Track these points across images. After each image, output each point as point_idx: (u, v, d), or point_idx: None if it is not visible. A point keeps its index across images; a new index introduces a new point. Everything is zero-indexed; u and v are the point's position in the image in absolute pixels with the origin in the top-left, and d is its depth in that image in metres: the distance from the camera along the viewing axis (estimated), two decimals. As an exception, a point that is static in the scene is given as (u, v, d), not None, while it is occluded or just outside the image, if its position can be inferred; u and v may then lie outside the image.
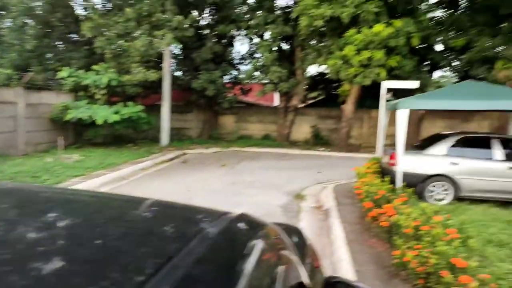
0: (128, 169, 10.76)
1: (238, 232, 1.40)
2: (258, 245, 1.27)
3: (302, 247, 2.55)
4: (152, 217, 1.45)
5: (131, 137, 16.74)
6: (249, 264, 1.10)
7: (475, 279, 3.15)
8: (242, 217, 1.54)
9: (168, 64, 16.30)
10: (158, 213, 1.49)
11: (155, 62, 16.05)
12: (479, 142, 7.57)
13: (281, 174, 10.96)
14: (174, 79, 17.46)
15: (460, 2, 15.73)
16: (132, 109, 14.08)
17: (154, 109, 19.56)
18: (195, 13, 16.21)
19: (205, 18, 19.06)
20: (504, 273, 3.50)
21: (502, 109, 10.04)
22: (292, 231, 2.85)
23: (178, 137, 18.54)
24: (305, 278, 1.61)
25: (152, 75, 14.04)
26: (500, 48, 13.54)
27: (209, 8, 18.09)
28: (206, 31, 18.20)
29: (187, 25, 15.13)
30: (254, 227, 1.51)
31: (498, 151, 7.18)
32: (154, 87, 17.25)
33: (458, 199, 7.21)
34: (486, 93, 7.27)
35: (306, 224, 6.43)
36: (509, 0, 12.43)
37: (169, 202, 1.60)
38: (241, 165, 12.37)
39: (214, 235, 1.21)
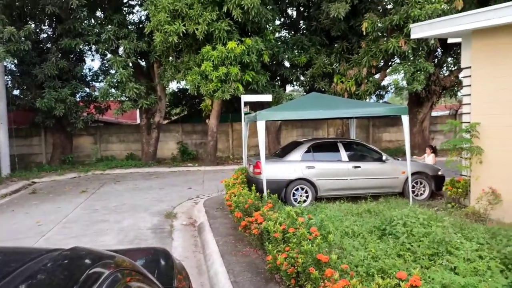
0: (-46, 209, 8.79)
1: (64, 269, 1.28)
2: (91, 277, 1.19)
3: (170, 269, 2.45)
4: None
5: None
6: None
7: (337, 270, 3.49)
8: (74, 252, 1.39)
9: (2, 82, 14.04)
10: None
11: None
12: (328, 147, 8.60)
13: (150, 194, 10.47)
14: (13, 98, 15.11)
15: (300, 25, 17.82)
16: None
17: (-13, 134, 16.58)
18: (31, 24, 14.34)
19: (46, 31, 17.13)
20: (360, 260, 3.99)
21: (343, 117, 11.69)
22: (159, 254, 2.72)
23: (24, 165, 16.03)
24: None
25: (-20, 94, 11.82)
26: (335, 65, 15.77)
27: (48, 20, 16.29)
28: (49, 45, 16.35)
29: (22, 38, 13.28)
30: (89, 260, 1.39)
31: (343, 153, 8.26)
32: (-14, 108, 14.59)
33: (317, 199, 8.01)
34: (328, 103, 8.31)
35: (179, 243, 6.25)
36: (338, 25, 14.62)
37: None
38: (104, 189, 11.37)
39: (32, 273, 1.14)
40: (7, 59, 12.41)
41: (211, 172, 14.56)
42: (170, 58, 15.36)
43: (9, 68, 15.73)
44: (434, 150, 9.84)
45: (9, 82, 15.54)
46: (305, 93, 17.67)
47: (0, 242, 6.39)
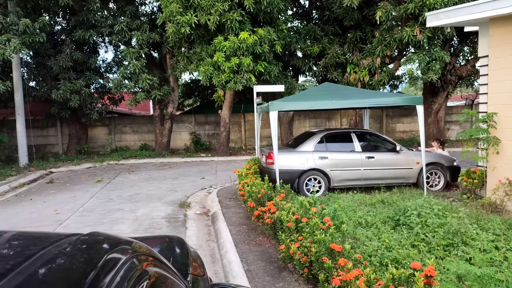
0: (-25, 198, 9.04)
1: (82, 253, 1.30)
2: (109, 262, 1.20)
3: (185, 257, 2.48)
4: None
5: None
6: (96, 282, 1.05)
7: (350, 260, 3.49)
8: (92, 237, 1.41)
9: (18, 73, 14.25)
10: None
11: (0, 71, 13.86)
12: (342, 137, 8.54)
13: (163, 184, 10.59)
14: (29, 90, 15.37)
15: (312, 15, 17.60)
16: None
17: (6, 125, 16.97)
18: (46, 16, 14.48)
19: (60, 23, 17.30)
20: (373, 250, 3.99)
21: (356, 107, 11.59)
22: (174, 242, 2.75)
23: (41, 155, 16.39)
24: None
25: (-3, 86, 12.03)
26: (348, 55, 15.58)
27: (62, 12, 16.42)
28: (63, 37, 16.53)
29: (37, 30, 13.45)
30: (107, 245, 1.41)
31: (357, 144, 8.20)
32: (4, 100, 14.91)
33: (330, 189, 7.99)
34: (341, 93, 8.23)
35: (193, 232, 6.33)
36: (351, 14, 14.40)
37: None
38: (119, 179, 11.54)
39: (52, 256, 1.16)
40: (22, 51, 12.58)
41: (224, 163, 14.64)
42: (183, 49, 15.38)
43: (25, 60, 15.97)
44: (442, 144, 9.73)
45: (25, 73, 15.79)
46: (317, 84, 17.53)
47: (19, 229, 6.56)
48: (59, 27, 17.26)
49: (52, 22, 16.42)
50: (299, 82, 18.25)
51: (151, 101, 18.40)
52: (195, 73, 16.21)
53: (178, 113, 20.02)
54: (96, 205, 8.26)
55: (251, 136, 18.90)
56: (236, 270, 4.44)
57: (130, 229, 6.48)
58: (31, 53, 15.08)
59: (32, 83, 16.35)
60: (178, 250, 2.61)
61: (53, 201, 8.78)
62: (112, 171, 13.37)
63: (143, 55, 15.46)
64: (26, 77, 15.81)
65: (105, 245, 1.38)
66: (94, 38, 15.70)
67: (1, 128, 16.72)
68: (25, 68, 15.91)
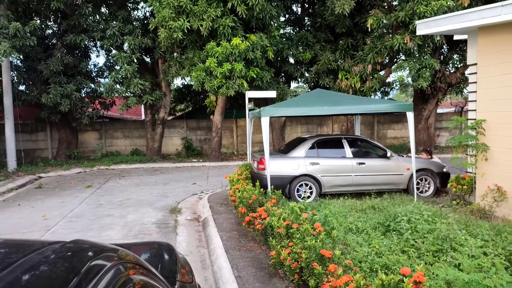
0: (-38, 203, 8.87)
1: (65, 260, 1.28)
2: (93, 269, 1.18)
3: (173, 264, 2.46)
4: None
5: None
6: None
7: (340, 266, 3.49)
8: (76, 244, 1.39)
9: (8, 77, 14.11)
10: None
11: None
12: (333, 143, 8.58)
13: (154, 189, 10.52)
14: (19, 94, 15.20)
15: (305, 21, 17.74)
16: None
17: (-6, 129, 16.74)
18: (37, 20, 14.37)
19: (51, 27, 17.19)
20: (363, 256, 3.99)
21: (347, 113, 11.66)
22: (163, 248, 2.73)
23: (30, 160, 16.17)
24: None
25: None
26: (340, 61, 15.71)
27: (53, 16, 16.33)
28: (54, 41, 16.41)
29: (28, 33, 13.34)
30: (91, 252, 1.39)
31: (348, 150, 8.24)
32: (-8, 104, 14.70)
33: (321, 195, 8.01)
34: (333, 100, 8.28)
35: (184, 238, 6.28)
36: (343, 21, 14.55)
37: None
38: (109, 184, 11.43)
39: (34, 264, 1.14)
40: (12, 55, 12.46)
41: (216, 168, 14.59)
42: (175, 54, 15.37)
43: (15, 63, 15.80)
44: (430, 154, 9.83)
45: (15, 77, 15.61)
46: (309, 90, 17.61)
47: (6, 235, 6.46)
48: (50, 31, 17.13)
49: (43, 26, 16.30)
50: (291, 88, 18.34)
51: (142, 106, 18.32)
52: (187, 78, 16.20)
53: (170, 118, 19.94)
54: (85, 211, 8.16)
55: (243, 141, 18.89)
56: (227, 276, 4.42)
57: (119, 235, 6.41)
58: (21, 56, 14.93)
59: (22, 87, 16.15)
60: (166, 257, 2.59)
61: (42, 207, 8.66)
62: (102, 176, 13.24)
63: (135, 60, 15.41)
64: (16, 81, 15.64)
65: (88, 253, 1.36)
66: (86, 42, 15.61)
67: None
68: (15, 72, 15.74)
